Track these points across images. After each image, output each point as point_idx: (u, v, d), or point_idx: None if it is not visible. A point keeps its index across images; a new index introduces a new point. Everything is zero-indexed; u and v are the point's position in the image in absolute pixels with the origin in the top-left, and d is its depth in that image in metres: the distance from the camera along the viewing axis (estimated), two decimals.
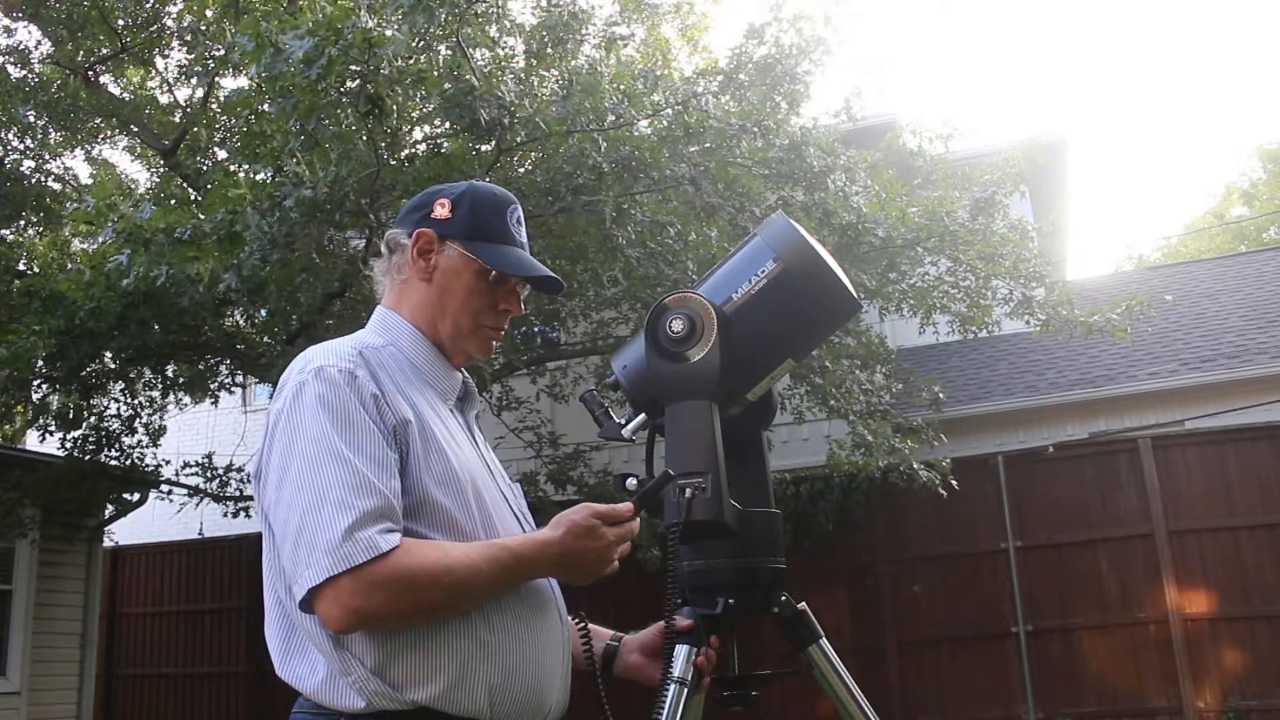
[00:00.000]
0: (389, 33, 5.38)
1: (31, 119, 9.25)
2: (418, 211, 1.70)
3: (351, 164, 5.81)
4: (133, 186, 9.53)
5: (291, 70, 5.23)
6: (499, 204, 1.70)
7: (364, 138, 5.93)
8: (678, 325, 1.75)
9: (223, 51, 8.51)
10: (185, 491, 8.95)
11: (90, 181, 10.10)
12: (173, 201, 7.38)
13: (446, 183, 1.78)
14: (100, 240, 7.58)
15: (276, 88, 5.52)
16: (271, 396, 1.62)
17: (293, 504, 1.42)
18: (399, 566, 1.38)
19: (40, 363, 6.75)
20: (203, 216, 5.93)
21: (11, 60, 9.73)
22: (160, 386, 8.60)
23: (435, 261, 1.66)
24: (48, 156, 9.92)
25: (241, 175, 6.87)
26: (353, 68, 5.29)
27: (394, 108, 5.79)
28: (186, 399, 8.95)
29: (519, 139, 6.28)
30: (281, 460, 1.46)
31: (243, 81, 8.61)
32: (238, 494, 8.93)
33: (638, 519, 1.57)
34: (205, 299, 6.15)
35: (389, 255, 1.71)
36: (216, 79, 8.76)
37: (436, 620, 1.45)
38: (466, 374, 1.74)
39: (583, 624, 1.70)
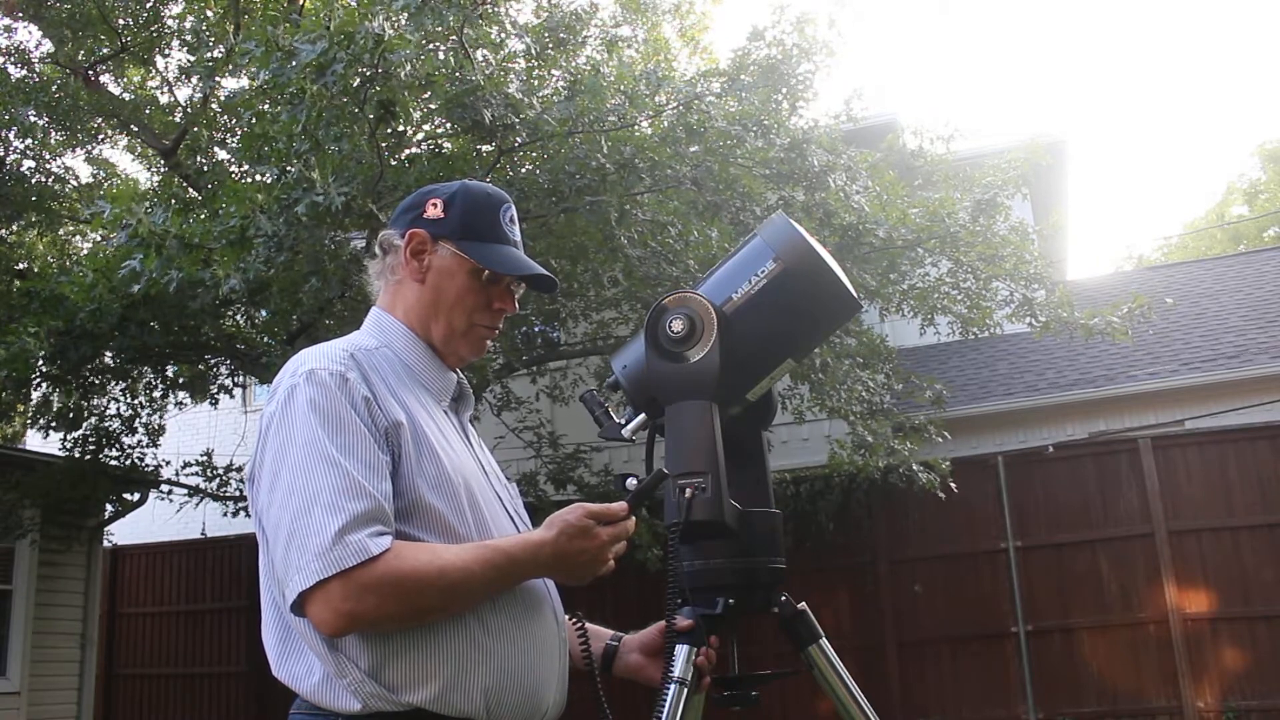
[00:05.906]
0: (394, 34, 5.35)
1: (32, 119, 9.23)
2: (410, 212, 1.69)
3: (357, 169, 5.79)
4: (146, 191, 9.53)
5: (300, 77, 5.20)
6: (492, 203, 1.69)
7: (368, 138, 5.91)
8: (677, 325, 1.74)
9: (223, 52, 8.51)
10: (185, 491, 8.94)
11: (90, 180, 10.09)
12: (174, 203, 7.37)
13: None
14: (108, 242, 7.56)
15: (285, 94, 5.48)
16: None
17: (284, 507, 1.42)
18: (390, 570, 1.38)
19: (40, 362, 6.74)
20: (209, 219, 5.91)
21: (12, 60, 9.73)
22: (160, 387, 8.59)
23: (428, 262, 1.65)
24: (48, 156, 9.90)
25: (253, 179, 6.84)
26: (362, 70, 5.27)
27: (404, 113, 5.77)
28: (186, 399, 8.94)
29: (520, 139, 6.27)
30: (273, 464, 1.46)
31: (243, 81, 8.60)
32: (237, 494, 8.91)
33: (633, 518, 1.56)
34: (209, 302, 6.14)
35: (382, 256, 1.70)
36: (217, 79, 8.74)
37: (430, 622, 1.44)
38: (461, 375, 1.73)
39: (580, 624, 1.70)
